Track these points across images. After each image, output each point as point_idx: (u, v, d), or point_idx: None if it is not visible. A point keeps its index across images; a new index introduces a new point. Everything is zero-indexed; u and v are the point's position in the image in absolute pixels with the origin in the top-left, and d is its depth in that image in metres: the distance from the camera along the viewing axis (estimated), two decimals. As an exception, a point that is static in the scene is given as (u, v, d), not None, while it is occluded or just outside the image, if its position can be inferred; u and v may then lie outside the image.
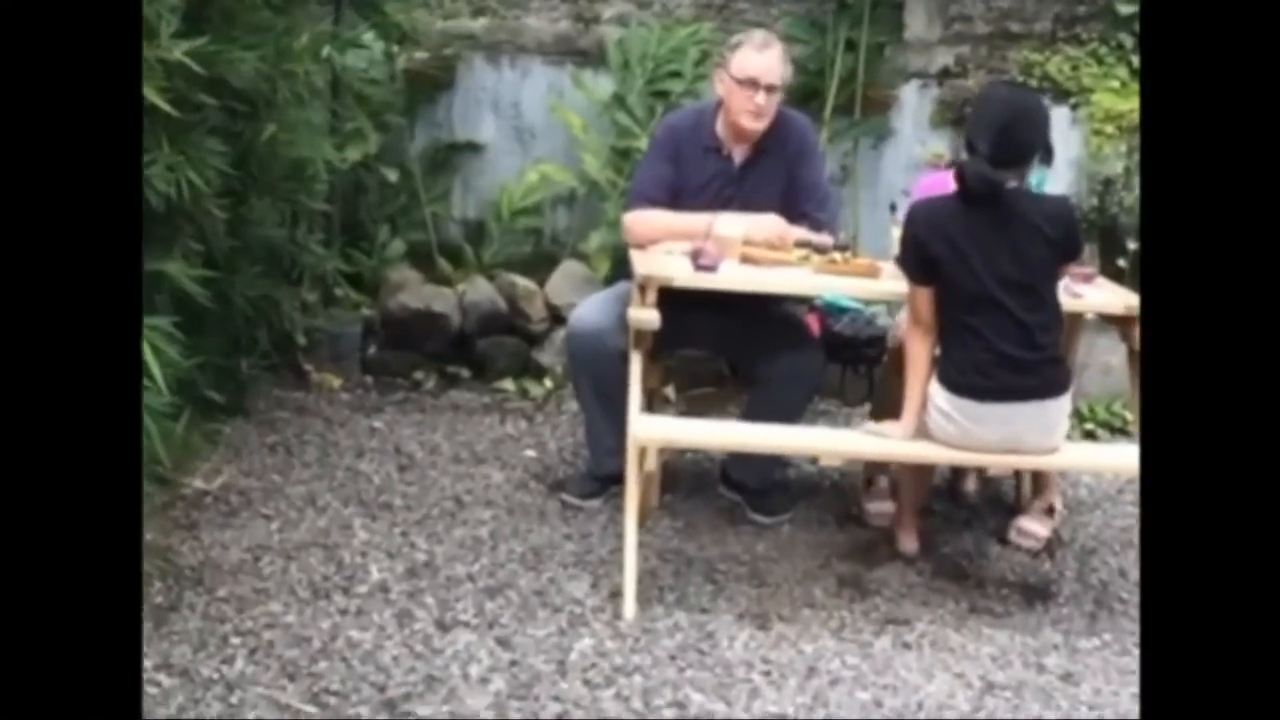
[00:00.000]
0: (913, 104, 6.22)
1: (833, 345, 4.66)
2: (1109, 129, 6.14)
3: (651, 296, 4.00)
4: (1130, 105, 6.14)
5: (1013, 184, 3.86)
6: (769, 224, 4.39)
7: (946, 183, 4.63)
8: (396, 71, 5.84)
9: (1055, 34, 6.27)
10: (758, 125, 4.41)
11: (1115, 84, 6.21)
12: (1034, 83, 6.13)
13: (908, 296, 3.93)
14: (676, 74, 5.90)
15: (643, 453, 3.88)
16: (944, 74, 6.22)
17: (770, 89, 4.38)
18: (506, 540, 4.26)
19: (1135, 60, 6.19)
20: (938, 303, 3.85)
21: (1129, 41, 6.20)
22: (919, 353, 3.91)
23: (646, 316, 3.96)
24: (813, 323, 4.70)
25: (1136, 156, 6.16)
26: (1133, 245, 6.07)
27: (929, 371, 3.91)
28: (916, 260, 3.86)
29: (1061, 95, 6.11)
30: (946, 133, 6.21)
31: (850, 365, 4.77)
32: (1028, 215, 3.82)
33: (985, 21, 6.27)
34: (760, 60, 4.37)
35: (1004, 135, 3.83)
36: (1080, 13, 6.27)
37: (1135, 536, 4.65)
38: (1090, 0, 6.27)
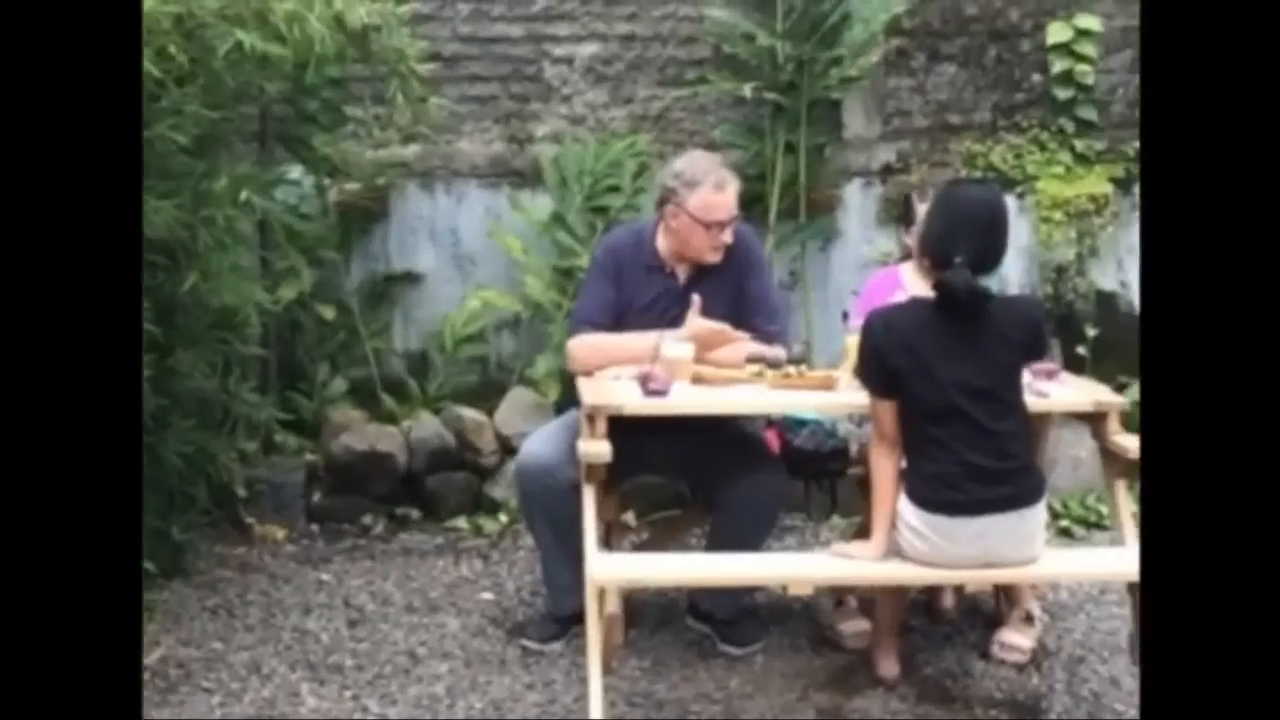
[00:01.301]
0: (857, 203, 6.13)
1: (794, 460, 4.46)
2: (1057, 215, 6.06)
3: (601, 427, 3.81)
4: (1076, 190, 6.09)
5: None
6: (701, 324, 4.20)
7: (895, 280, 4.51)
8: (328, 205, 5.68)
9: (995, 123, 6.22)
10: (719, 258, 4.28)
11: (1059, 169, 6.18)
12: (978, 173, 6.06)
13: (870, 410, 3.76)
14: (615, 188, 5.77)
15: (603, 593, 3.65)
16: (886, 170, 6.14)
17: (731, 222, 4.25)
18: (465, 695, 4.03)
19: (1078, 145, 6.17)
20: (901, 415, 3.68)
21: (1070, 126, 6.17)
22: (884, 468, 3.73)
23: (597, 450, 3.76)
24: (772, 439, 4.51)
25: (1087, 242, 6.09)
26: (1091, 332, 5.97)
27: (896, 488, 3.72)
28: (877, 372, 3.69)
29: (1007, 184, 6.03)
30: (892, 230, 6.10)
31: (814, 480, 4.57)
32: (994, 320, 3.66)
33: (924, 115, 6.19)
34: (722, 200, 4.25)
35: (985, 239, 3.69)
36: (1018, 100, 6.22)
37: (1123, 641, 4.45)
38: (1028, 88, 6.20)
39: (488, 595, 4.80)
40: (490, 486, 5.50)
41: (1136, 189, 6.16)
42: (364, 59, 4.75)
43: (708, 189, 4.25)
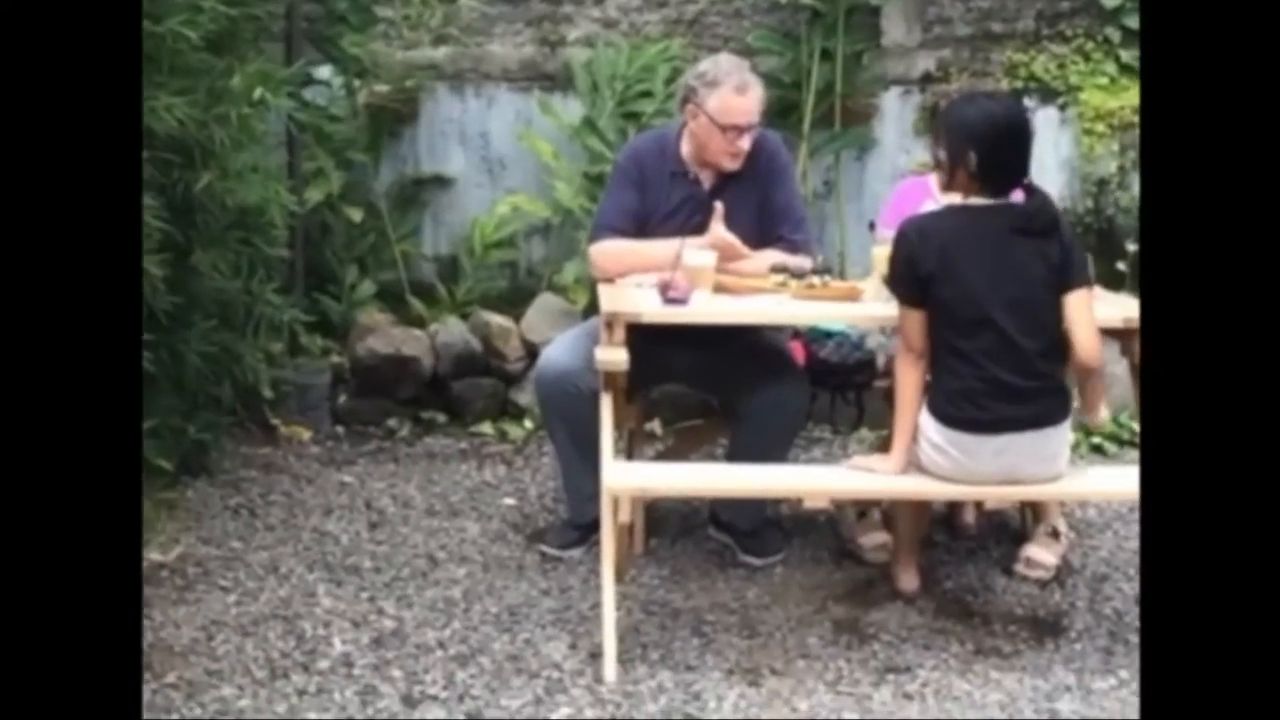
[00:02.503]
0: (895, 112, 6.00)
1: (819, 373, 4.40)
2: (1100, 128, 5.92)
3: (619, 334, 3.77)
4: (1120, 102, 5.93)
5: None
6: (726, 239, 4.12)
7: (925, 189, 4.43)
8: (358, 107, 5.62)
9: (1039, 32, 6.05)
10: (737, 165, 4.19)
11: (1104, 80, 6.00)
12: (1019, 84, 5.94)
13: (898, 321, 3.70)
14: (648, 94, 5.68)
15: (618, 502, 3.63)
16: (925, 79, 6.00)
17: (751, 129, 4.16)
18: (481, 600, 4.03)
19: (1123, 55, 5.98)
20: (930, 327, 3.62)
21: (1116, 36, 5.98)
22: (909, 381, 3.67)
23: (614, 357, 3.72)
24: (797, 350, 4.45)
25: (1131, 155, 5.94)
26: (1131, 247, 5.83)
27: (919, 401, 3.67)
28: (908, 281, 3.63)
29: (1049, 95, 5.92)
30: (931, 140, 5.98)
31: (839, 392, 4.51)
32: (1030, 232, 3.59)
33: (965, 23, 6.04)
34: (742, 104, 4.15)
35: (1025, 155, 3.64)
36: (1064, 8, 6.05)
37: (1149, 558, 4.42)
38: (1074, -5, 6.03)
39: (509, 501, 4.79)
40: (516, 392, 5.48)
41: (1183, 101, 6.02)
42: None
43: (728, 90, 4.15)
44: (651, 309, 3.82)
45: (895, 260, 3.66)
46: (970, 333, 3.56)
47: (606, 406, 3.81)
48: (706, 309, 3.87)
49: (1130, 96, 5.94)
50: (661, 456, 4.71)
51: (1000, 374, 3.55)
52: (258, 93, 3.92)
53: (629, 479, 3.67)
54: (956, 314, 3.57)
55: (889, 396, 4.50)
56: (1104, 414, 3.82)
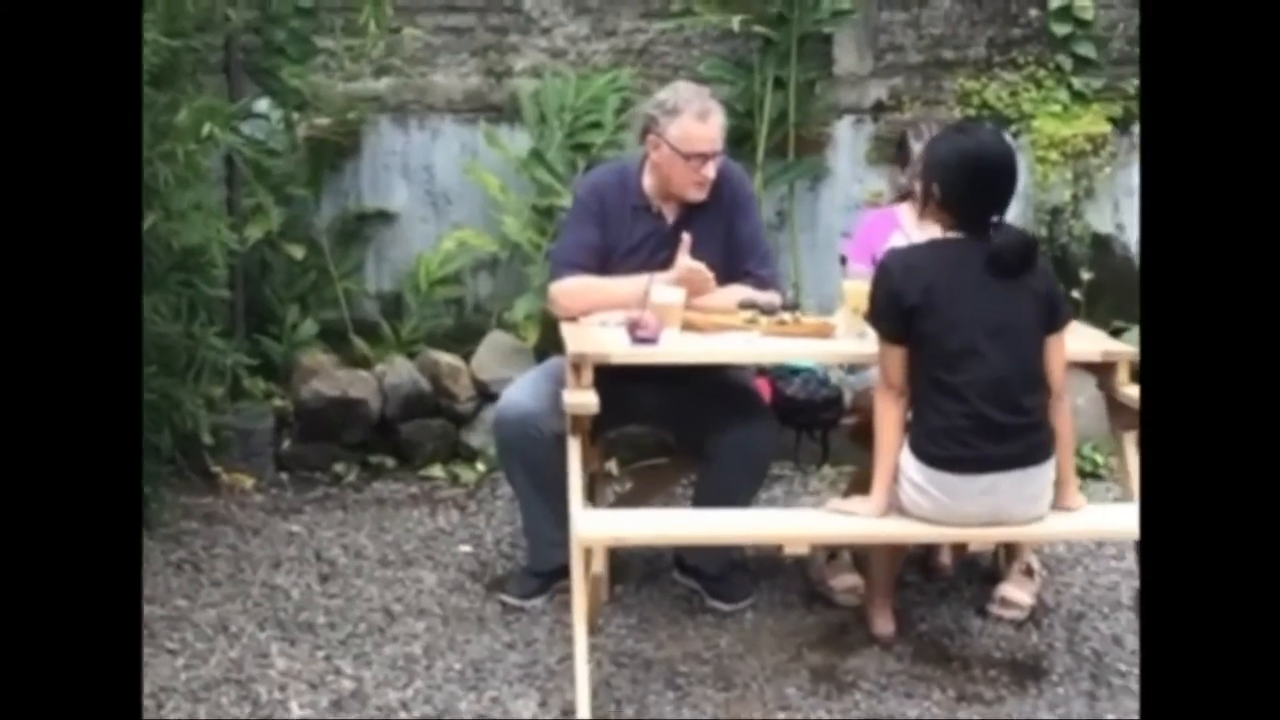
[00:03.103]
0: (847, 141, 5.91)
1: (786, 410, 4.28)
2: (1053, 155, 5.86)
3: (588, 376, 3.62)
4: (1073, 130, 5.88)
5: None
6: (695, 267, 4.00)
7: (891, 220, 4.33)
8: (297, 140, 5.43)
9: (991, 59, 5.99)
10: (702, 195, 4.06)
11: (1056, 108, 5.96)
12: (971, 111, 5.87)
13: (879, 357, 3.57)
14: (597, 125, 5.54)
15: (589, 552, 3.46)
16: (878, 108, 5.92)
17: (715, 156, 4.03)
18: (443, 655, 3.85)
19: (1075, 83, 5.96)
20: (912, 362, 3.50)
21: (1067, 63, 5.95)
22: (890, 419, 3.54)
23: (584, 400, 3.57)
24: (763, 387, 4.32)
25: (1084, 183, 5.90)
26: (1086, 275, 5.80)
27: (900, 441, 3.54)
28: (891, 315, 3.51)
29: (1002, 123, 5.81)
30: (884, 169, 5.88)
31: (806, 430, 4.39)
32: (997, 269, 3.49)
33: (917, 50, 5.97)
34: (705, 131, 4.02)
35: (1010, 191, 3.55)
36: (1015, 36, 5.99)
37: (1124, 596, 4.34)
38: (1025, 23, 5.98)
39: (465, 548, 4.61)
40: (467, 434, 5.30)
41: (1135, 129, 5.96)
42: None
43: (689, 118, 4.03)
44: (620, 349, 3.67)
45: (877, 294, 3.54)
46: (955, 366, 3.45)
47: (575, 451, 3.66)
48: (677, 348, 3.74)
49: (1083, 124, 5.91)
50: (622, 500, 4.56)
51: (986, 410, 3.44)
52: (206, 128, 3.73)
53: (602, 528, 3.51)
54: (941, 346, 3.45)
55: (855, 434, 4.41)
56: (1079, 499, 3.72)
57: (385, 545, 4.59)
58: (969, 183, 3.56)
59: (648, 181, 4.17)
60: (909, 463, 3.53)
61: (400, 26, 4.92)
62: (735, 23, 5.45)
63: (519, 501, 4.23)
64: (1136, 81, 5.93)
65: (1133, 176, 5.99)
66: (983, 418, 3.44)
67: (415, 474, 5.20)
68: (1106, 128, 5.90)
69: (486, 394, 5.28)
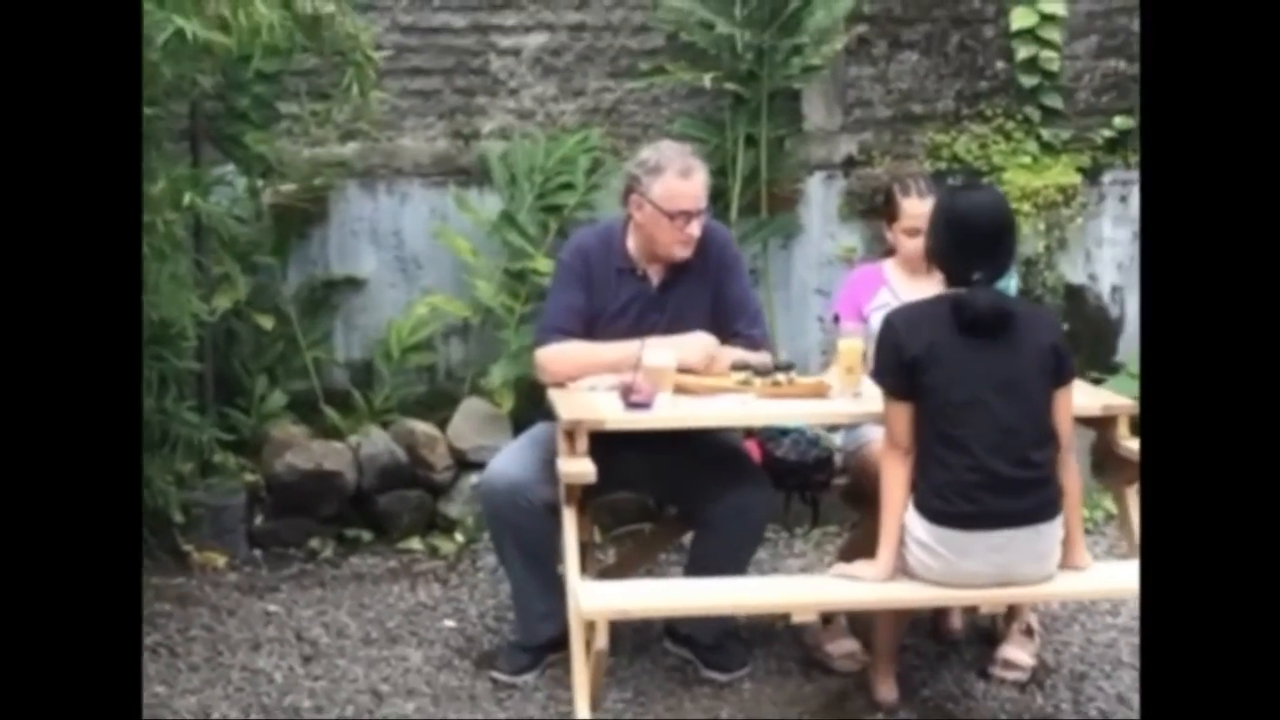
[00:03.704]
0: (819, 197, 5.87)
1: (777, 472, 4.18)
2: (1025, 207, 5.83)
3: (583, 444, 3.52)
4: (1044, 181, 5.88)
5: None
6: (698, 344, 3.97)
7: (878, 277, 4.27)
8: (263, 207, 5.30)
9: (959, 112, 5.98)
10: (688, 254, 3.99)
11: (1026, 159, 5.96)
12: (942, 164, 5.85)
13: (884, 416, 3.50)
14: (568, 185, 5.46)
15: (593, 626, 3.34)
16: (848, 163, 5.89)
17: (700, 214, 3.96)
18: (436, 737, 3.71)
19: (1044, 134, 5.97)
20: (916, 418, 3.42)
21: (1035, 115, 5.95)
22: (895, 478, 3.47)
23: (580, 469, 3.47)
24: (752, 449, 4.23)
25: (1056, 234, 5.89)
26: (1063, 326, 5.76)
27: (906, 501, 3.46)
28: (895, 370, 3.45)
29: (973, 176, 5.78)
30: (856, 225, 5.88)
31: (798, 492, 4.30)
32: (1019, 326, 3.46)
33: (885, 105, 5.95)
34: (688, 188, 3.96)
35: (998, 249, 3.49)
36: (982, 88, 5.99)
37: (1123, 654, 4.27)
38: (991, 75, 5.98)
39: (450, 623, 4.47)
40: (445, 504, 5.17)
41: (1104, 178, 6.02)
42: (314, 47, 4.37)
43: (672, 176, 3.96)
44: (615, 415, 3.58)
45: (880, 350, 3.49)
46: (960, 419, 3.38)
47: (570, 522, 3.56)
48: (672, 413, 3.65)
49: (1053, 175, 5.91)
50: (609, 570, 4.43)
51: (994, 464, 3.37)
52: (187, 198, 3.62)
53: (605, 601, 3.39)
54: (946, 399, 3.39)
55: (847, 495, 4.34)
56: (1087, 558, 3.65)
57: (367, 623, 4.44)
58: (951, 239, 3.56)
59: (632, 243, 4.09)
60: (915, 522, 3.45)
61: (364, 91, 4.84)
62: (707, 80, 5.39)
63: (508, 574, 4.11)
64: (1104, 131, 5.97)
65: (1103, 226, 6.02)
66: (990, 472, 3.38)
67: (393, 547, 5.05)
68: (1076, 178, 5.92)
69: (464, 463, 5.17)
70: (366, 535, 5.08)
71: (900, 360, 3.42)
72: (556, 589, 3.93)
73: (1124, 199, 6.04)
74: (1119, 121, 5.98)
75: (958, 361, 3.39)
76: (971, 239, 3.47)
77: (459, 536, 5.08)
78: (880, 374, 3.50)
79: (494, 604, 4.58)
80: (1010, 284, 4.03)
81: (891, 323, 3.48)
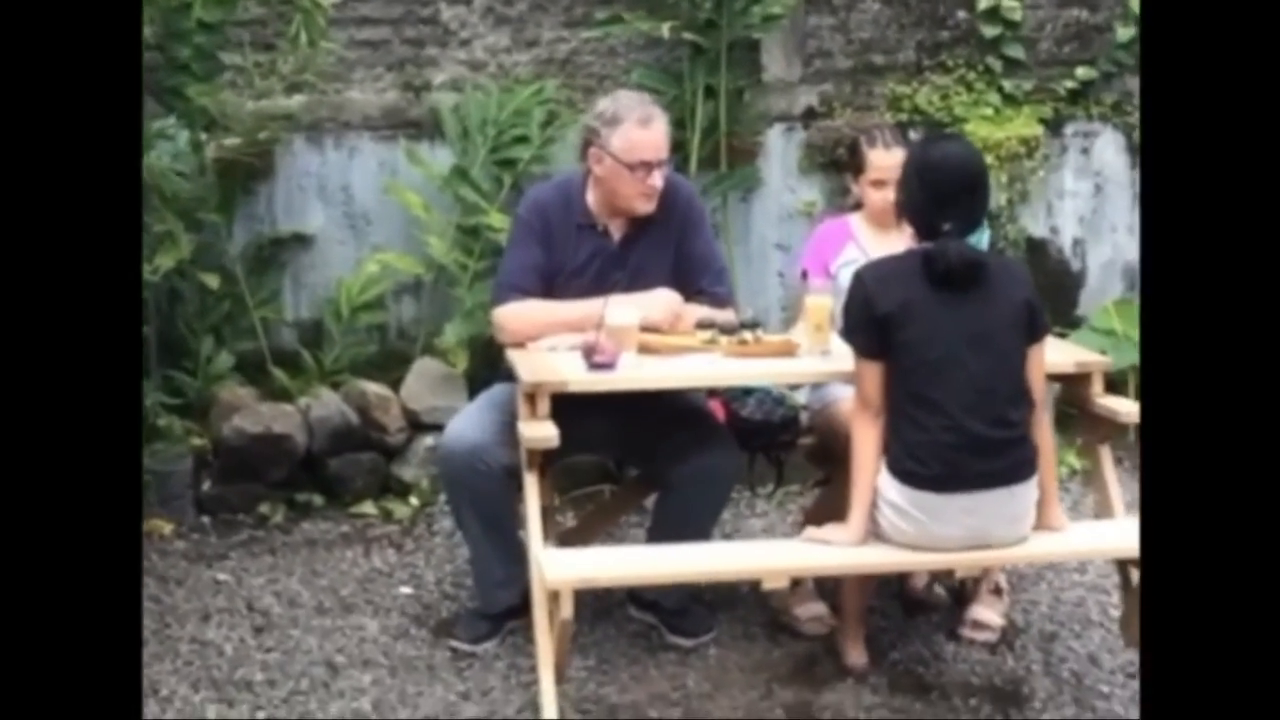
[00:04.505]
0: (779, 149, 5.76)
1: (743, 433, 4.07)
2: (987, 159, 5.70)
3: (544, 407, 3.40)
4: (1006, 132, 5.79)
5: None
6: (662, 302, 3.85)
7: (845, 231, 4.16)
8: (206, 162, 5.12)
9: (920, 63, 5.88)
10: (651, 207, 3.86)
11: (988, 111, 5.88)
12: (903, 116, 5.75)
13: (855, 375, 3.39)
14: (523, 139, 5.33)
15: (555, 596, 3.23)
16: (808, 115, 5.77)
17: (661, 165, 3.83)
18: (394, 709, 3.60)
19: (1006, 85, 5.88)
20: (888, 378, 3.32)
21: (998, 65, 5.87)
22: (867, 439, 3.36)
23: (543, 433, 3.35)
24: (716, 409, 4.12)
25: (1018, 186, 5.80)
26: (1024, 280, 5.68)
27: (877, 463, 3.36)
28: (866, 327, 3.34)
29: (934, 127, 5.70)
30: (816, 178, 5.77)
31: (764, 452, 4.20)
32: (992, 280, 3.36)
33: (846, 55, 5.83)
34: (649, 138, 3.82)
35: (969, 201, 3.39)
36: (944, 39, 5.89)
37: (1092, 613, 4.21)
38: (953, 25, 5.87)
39: (406, 590, 4.35)
40: (399, 467, 5.03)
41: (1066, 130, 5.96)
42: None
43: (631, 125, 3.83)
44: (577, 377, 3.46)
45: (851, 306, 3.38)
46: (935, 378, 3.28)
47: (532, 488, 3.44)
48: (636, 373, 3.52)
49: (1015, 126, 5.83)
50: (570, 535, 4.32)
51: (970, 424, 3.27)
52: (123, 151, 3.43)
53: (570, 570, 3.26)
54: (920, 357, 3.29)
55: (813, 455, 4.24)
56: (1063, 519, 3.57)
57: (320, 591, 4.31)
58: (922, 190, 3.45)
59: (592, 198, 3.95)
60: (888, 484, 3.35)
61: (312, 40, 4.68)
62: (665, 29, 5.25)
63: (466, 540, 3.99)
64: (1067, 83, 5.89)
65: (1065, 179, 5.96)
66: (967, 432, 3.28)
67: (345, 512, 4.90)
68: (1038, 130, 5.84)
69: (418, 424, 5.04)
70: (318, 500, 4.93)
71: (871, 317, 3.31)
72: (516, 555, 3.83)
73: (1085, 151, 5.97)
74: (1081, 72, 5.90)
75: (931, 318, 3.29)
76: (943, 190, 3.36)
77: (413, 500, 4.95)
78: (850, 332, 3.40)
79: (451, 569, 4.46)
80: (983, 238, 3.93)
81: (861, 279, 3.37)
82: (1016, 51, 5.84)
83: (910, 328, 3.28)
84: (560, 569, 3.23)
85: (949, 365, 3.27)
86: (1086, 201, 5.99)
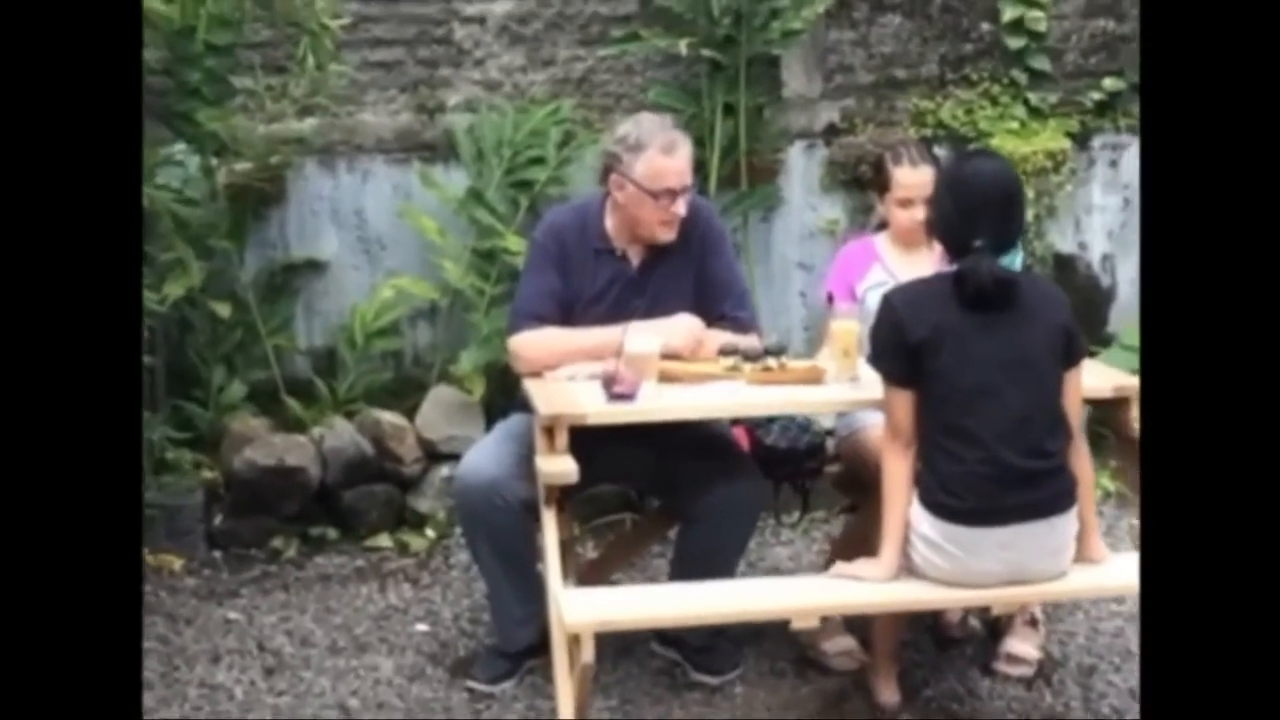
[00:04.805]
0: (800, 167, 5.63)
1: (767, 461, 3.95)
2: (1013, 174, 5.59)
3: (563, 440, 3.27)
4: (1032, 146, 5.67)
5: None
6: (684, 328, 3.72)
7: (870, 252, 4.04)
8: (217, 188, 5.02)
9: (944, 77, 5.75)
10: (673, 235, 3.75)
11: (1014, 125, 5.75)
12: (928, 131, 5.63)
13: (885, 404, 3.26)
14: (539, 160, 5.20)
15: (576, 638, 3.10)
16: (830, 131, 5.65)
17: (685, 192, 3.71)
18: (410, 756, 3.47)
19: (1031, 98, 5.75)
20: (920, 407, 3.19)
21: (1023, 78, 5.74)
22: (898, 471, 3.23)
23: (562, 468, 3.22)
24: (740, 436, 4.00)
25: (1045, 201, 5.67)
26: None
27: (909, 495, 3.23)
28: (897, 355, 3.21)
29: (959, 142, 5.57)
30: (838, 196, 5.64)
31: (790, 481, 4.07)
32: (1026, 301, 3.22)
33: (867, 70, 5.70)
34: (673, 165, 3.71)
35: (1002, 218, 3.26)
36: (968, 51, 5.75)
37: (1132, 644, 4.06)
38: (977, 38, 5.74)
39: (422, 627, 4.22)
40: (415, 498, 4.91)
41: (1094, 143, 5.82)
42: (266, 17, 4.09)
43: (655, 152, 3.71)
44: (597, 409, 3.33)
45: (880, 331, 3.25)
46: (969, 407, 3.15)
47: (550, 524, 3.32)
48: (657, 404, 3.39)
49: (1042, 140, 5.70)
50: (591, 570, 4.19)
51: (1005, 454, 3.14)
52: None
53: (592, 612, 3.13)
54: (954, 385, 3.16)
55: (840, 483, 4.13)
56: (1103, 550, 3.42)
57: (334, 629, 4.19)
58: (954, 207, 3.32)
59: (610, 222, 3.84)
60: (921, 518, 3.22)
61: (338, 57, 4.60)
62: (683, 46, 5.14)
63: (484, 577, 3.87)
64: (1094, 94, 5.76)
65: (1093, 194, 5.82)
66: (1002, 463, 3.15)
67: (360, 545, 4.78)
68: (1065, 143, 5.71)
69: (434, 454, 4.93)
70: (332, 533, 4.81)
71: (902, 344, 3.18)
72: (535, 591, 3.71)
73: (1114, 164, 5.84)
74: (1108, 83, 5.77)
75: (964, 344, 3.16)
76: (976, 206, 3.23)
77: (430, 532, 4.83)
78: (880, 359, 3.27)
79: (468, 604, 4.34)
80: (1016, 259, 3.79)
81: (891, 303, 3.24)
82: (1042, 63, 5.71)
83: (943, 355, 3.15)
84: (581, 611, 3.10)
85: (983, 394, 3.14)
86: (1115, 216, 5.85)
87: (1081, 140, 5.76)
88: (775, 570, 4.62)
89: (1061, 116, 5.76)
